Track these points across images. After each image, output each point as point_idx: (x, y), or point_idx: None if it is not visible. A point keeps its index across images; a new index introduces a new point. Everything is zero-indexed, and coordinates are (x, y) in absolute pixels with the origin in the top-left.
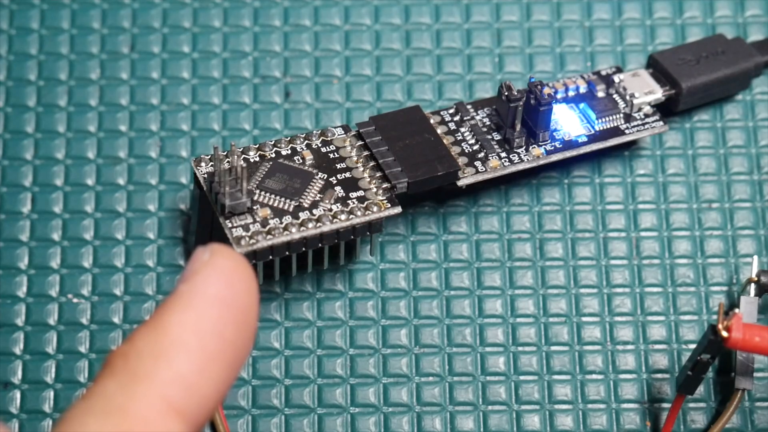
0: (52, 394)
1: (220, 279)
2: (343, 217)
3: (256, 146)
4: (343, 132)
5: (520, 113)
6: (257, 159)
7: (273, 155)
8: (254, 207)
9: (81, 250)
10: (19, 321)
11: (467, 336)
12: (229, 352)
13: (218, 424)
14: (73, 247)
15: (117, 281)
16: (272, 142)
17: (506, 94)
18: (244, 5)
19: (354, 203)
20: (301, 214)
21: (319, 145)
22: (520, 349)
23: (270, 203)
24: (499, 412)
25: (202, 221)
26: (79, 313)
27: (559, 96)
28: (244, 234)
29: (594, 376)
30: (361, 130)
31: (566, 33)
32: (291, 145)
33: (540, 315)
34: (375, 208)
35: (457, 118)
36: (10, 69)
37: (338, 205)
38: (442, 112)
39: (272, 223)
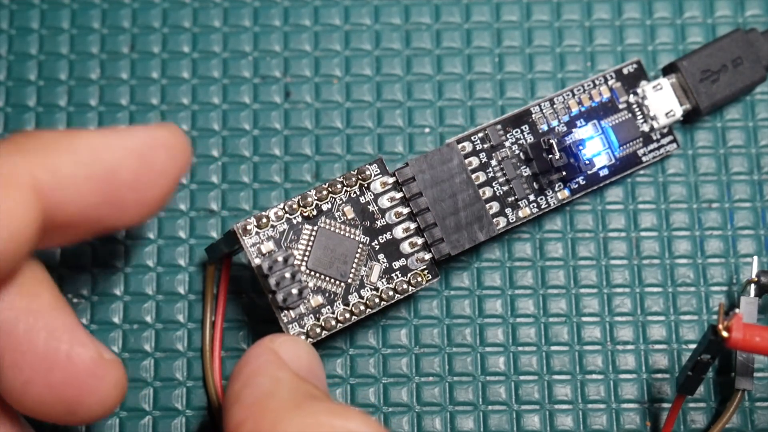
0: None
1: None
2: (390, 293)
3: (296, 200)
4: (378, 171)
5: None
6: (299, 220)
7: (315, 212)
8: (305, 292)
9: (81, 250)
10: None
11: (467, 336)
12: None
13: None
14: (73, 248)
15: (117, 281)
16: (312, 192)
17: (549, 157)
18: (244, 5)
19: (398, 276)
20: (350, 297)
21: (357, 193)
22: (520, 349)
23: (319, 285)
24: (499, 412)
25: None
26: (80, 313)
27: (583, 110)
28: (300, 330)
29: (594, 376)
30: (400, 181)
31: (566, 33)
32: (330, 195)
33: (540, 315)
34: (418, 279)
35: (486, 145)
36: (10, 69)
37: (383, 281)
38: (473, 138)
39: (325, 312)
